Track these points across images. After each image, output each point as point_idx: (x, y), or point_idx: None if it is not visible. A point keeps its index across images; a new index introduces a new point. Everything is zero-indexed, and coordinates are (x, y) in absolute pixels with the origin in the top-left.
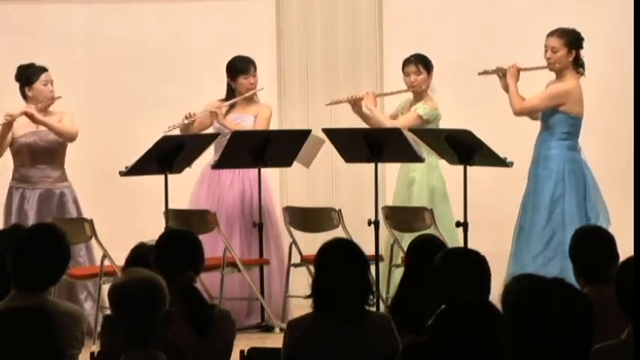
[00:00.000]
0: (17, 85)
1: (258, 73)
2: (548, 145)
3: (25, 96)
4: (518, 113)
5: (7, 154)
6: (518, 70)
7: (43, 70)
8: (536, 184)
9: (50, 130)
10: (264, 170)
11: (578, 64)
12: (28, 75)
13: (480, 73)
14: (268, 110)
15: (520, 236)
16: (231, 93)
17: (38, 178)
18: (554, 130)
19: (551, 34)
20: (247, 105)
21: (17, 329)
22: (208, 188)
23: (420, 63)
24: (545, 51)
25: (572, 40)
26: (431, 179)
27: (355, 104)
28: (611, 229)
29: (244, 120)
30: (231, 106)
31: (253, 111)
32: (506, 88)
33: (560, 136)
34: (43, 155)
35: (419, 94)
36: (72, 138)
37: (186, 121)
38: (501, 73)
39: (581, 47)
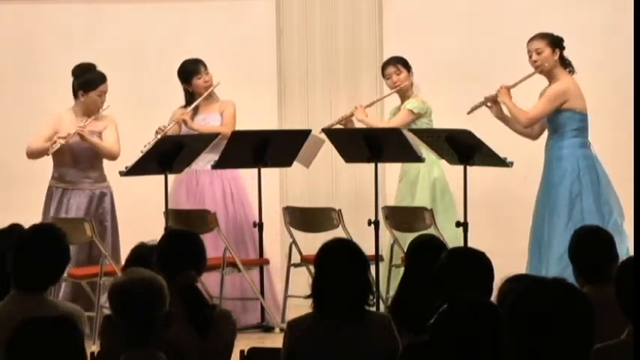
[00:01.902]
0: (17, 85)
1: (259, 73)
2: (560, 145)
3: (75, 94)
4: (528, 124)
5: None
6: (508, 89)
7: (103, 80)
8: (551, 186)
9: (96, 149)
10: (242, 170)
11: (565, 64)
12: (87, 81)
13: (468, 112)
14: (232, 106)
15: (538, 241)
16: (190, 98)
17: (79, 178)
18: (564, 130)
19: (531, 40)
20: (210, 104)
21: (44, 339)
22: (187, 190)
23: (398, 63)
24: (530, 56)
25: (553, 40)
26: (432, 172)
27: (348, 123)
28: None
29: (211, 119)
30: (196, 108)
31: (218, 108)
32: (498, 116)
33: (571, 134)
34: (85, 156)
35: (404, 95)
36: (113, 159)
37: (159, 136)
38: (490, 101)
39: (563, 48)
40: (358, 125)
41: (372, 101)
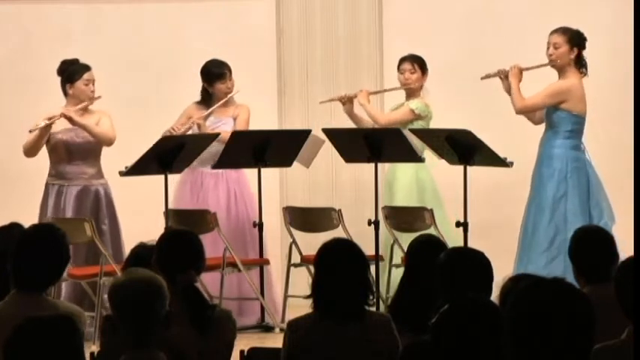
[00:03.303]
0: (17, 85)
1: (259, 73)
2: (552, 143)
3: (65, 92)
4: (520, 111)
5: (43, 151)
6: (520, 70)
7: (86, 68)
8: (540, 183)
9: (88, 133)
10: (247, 170)
11: (580, 64)
12: (70, 72)
13: (482, 78)
14: (247, 111)
15: (525, 237)
16: (207, 96)
17: (75, 174)
18: (558, 129)
19: (554, 31)
20: (225, 107)
21: (44, 338)
22: (191, 190)
23: (416, 62)
24: (548, 47)
25: (574, 37)
26: (417, 174)
27: (348, 102)
28: (615, 228)
29: (224, 123)
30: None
31: (232, 113)
32: (508, 90)
33: (564, 134)
34: (80, 152)
35: (412, 93)
36: (109, 142)
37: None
38: (503, 75)
39: (584, 47)
40: (358, 107)
41: (378, 90)
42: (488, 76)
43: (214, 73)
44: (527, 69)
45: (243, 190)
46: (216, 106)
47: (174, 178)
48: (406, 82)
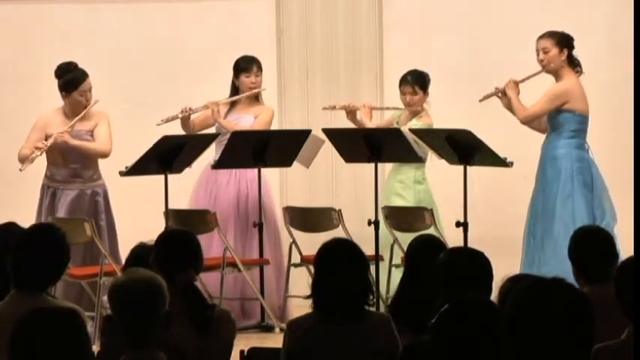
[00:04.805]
0: (17, 85)
1: None
2: (556, 144)
3: (61, 94)
4: (524, 121)
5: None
6: (516, 83)
7: (83, 78)
8: (545, 184)
9: (82, 152)
10: (264, 171)
11: (574, 64)
12: (66, 82)
13: (480, 100)
14: (269, 113)
15: (530, 240)
16: (234, 92)
17: (69, 178)
18: (562, 129)
19: (540, 37)
20: (250, 105)
21: (49, 331)
22: (206, 188)
23: (416, 83)
24: (538, 54)
25: (561, 39)
26: (417, 193)
27: (350, 112)
28: (616, 228)
29: (243, 120)
30: (233, 105)
31: (254, 112)
32: (507, 106)
33: (568, 134)
34: (75, 155)
35: (415, 112)
36: (103, 157)
37: (180, 115)
38: (500, 92)
39: (573, 47)
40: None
41: (381, 107)
42: (486, 97)
43: (241, 66)
44: (522, 81)
45: (256, 189)
46: (238, 97)
47: (174, 178)
48: (408, 104)
